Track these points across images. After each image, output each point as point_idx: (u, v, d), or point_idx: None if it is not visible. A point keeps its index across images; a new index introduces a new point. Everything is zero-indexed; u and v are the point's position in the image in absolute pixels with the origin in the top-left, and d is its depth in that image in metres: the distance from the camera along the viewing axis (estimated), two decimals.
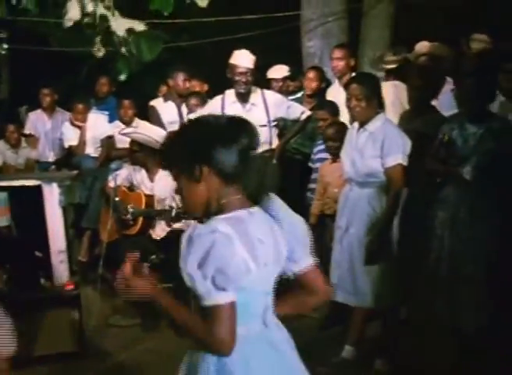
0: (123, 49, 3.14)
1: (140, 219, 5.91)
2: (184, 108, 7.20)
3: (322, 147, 5.88)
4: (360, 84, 4.63)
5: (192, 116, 6.33)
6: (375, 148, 4.54)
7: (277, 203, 2.33)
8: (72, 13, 2.94)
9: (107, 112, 7.58)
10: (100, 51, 3.15)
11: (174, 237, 5.88)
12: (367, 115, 4.61)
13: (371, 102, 4.58)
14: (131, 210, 5.93)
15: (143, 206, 5.91)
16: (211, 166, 2.21)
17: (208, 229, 2.13)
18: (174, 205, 5.70)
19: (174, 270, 6.29)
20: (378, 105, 4.63)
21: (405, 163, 4.50)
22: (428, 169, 4.68)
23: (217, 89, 6.73)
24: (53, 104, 8.11)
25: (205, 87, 7.62)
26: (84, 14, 2.99)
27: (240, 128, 2.25)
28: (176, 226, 5.88)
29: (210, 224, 2.16)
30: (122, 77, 3.30)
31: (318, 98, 6.78)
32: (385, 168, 4.51)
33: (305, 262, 2.38)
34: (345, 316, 4.94)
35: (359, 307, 4.72)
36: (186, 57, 9.08)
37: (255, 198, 2.29)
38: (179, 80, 7.11)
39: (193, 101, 6.88)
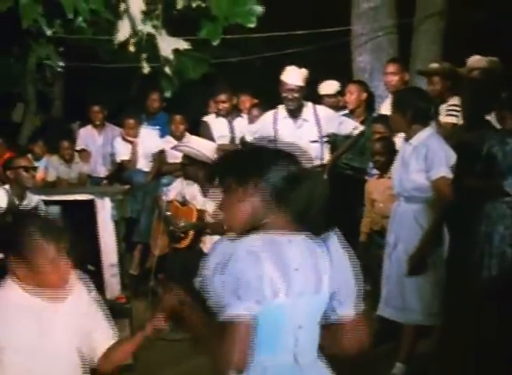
0: (167, 69, 3.18)
1: (191, 233, 5.94)
2: (236, 123, 7.25)
3: None
4: (393, 97, 4.78)
5: (253, 127, 6.40)
6: (419, 161, 4.52)
7: (335, 240, 2.23)
8: (123, 32, 2.99)
9: (158, 127, 7.66)
10: (146, 69, 3.20)
11: None
12: (398, 127, 4.74)
13: (403, 115, 4.59)
14: (181, 224, 5.97)
15: (194, 220, 5.94)
16: (263, 183, 2.16)
17: (237, 242, 2.08)
18: None
19: None
20: (423, 118, 4.61)
21: (449, 176, 4.45)
22: (467, 185, 4.64)
23: (267, 104, 6.76)
24: (103, 120, 8.23)
25: (254, 102, 7.65)
26: (133, 33, 3.03)
27: (298, 156, 2.23)
28: None
29: (242, 239, 2.10)
30: (167, 95, 3.35)
31: (368, 112, 6.76)
32: (431, 182, 4.49)
33: (348, 309, 2.23)
34: (395, 331, 4.88)
35: (409, 323, 4.67)
36: (235, 72, 9.15)
37: (308, 228, 2.21)
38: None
39: (255, 112, 6.95)
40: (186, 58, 3.42)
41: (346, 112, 6.89)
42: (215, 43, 3.28)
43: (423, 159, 4.49)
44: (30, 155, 8.15)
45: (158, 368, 5.18)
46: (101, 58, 9.31)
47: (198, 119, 7.61)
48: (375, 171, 5.91)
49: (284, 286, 2.07)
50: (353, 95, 6.76)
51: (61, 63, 3.48)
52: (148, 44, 3.14)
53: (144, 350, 5.32)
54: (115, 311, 5.18)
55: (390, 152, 5.44)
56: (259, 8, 3.20)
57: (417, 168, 4.52)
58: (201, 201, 6.01)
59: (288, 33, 8.01)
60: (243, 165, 2.22)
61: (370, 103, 6.93)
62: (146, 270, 6.70)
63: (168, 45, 3.21)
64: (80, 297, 2.75)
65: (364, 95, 6.79)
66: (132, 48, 3.13)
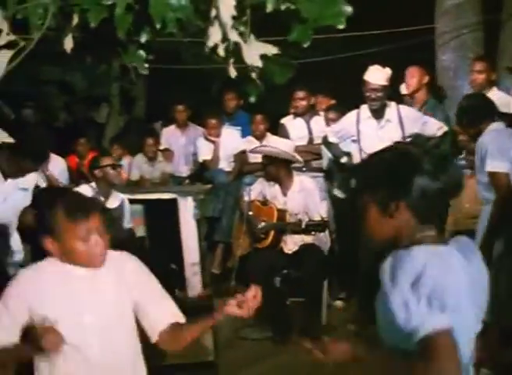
0: (254, 74, 3.17)
1: (271, 233, 5.96)
2: (313, 123, 7.21)
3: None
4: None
5: (335, 127, 6.37)
6: (478, 160, 4.55)
7: (471, 244, 2.12)
8: (214, 38, 2.99)
9: (239, 128, 7.71)
10: (233, 73, 3.20)
11: (305, 251, 5.90)
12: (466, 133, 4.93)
13: (460, 122, 4.90)
14: (261, 224, 6.00)
15: (274, 220, 5.96)
16: (407, 203, 2.04)
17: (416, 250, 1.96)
18: (306, 218, 5.73)
19: (305, 284, 6.24)
20: (482, 120, 4.64)
21: (496, 169, 4.41)
22: None
23: (345, 105, 6.70)
24: (187, 120, 8.33)
25: (331, 104, 7.58)
26: (223, 39, 3.04)
27: (440, 163, 2.08)
28: (307, 240, 5.90)
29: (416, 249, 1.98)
30: (252, 99, 3.35)
31: (431, 96, 6.62)
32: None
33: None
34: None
35: (494, 326, 4.57)
36: (313, 72, 9.11)
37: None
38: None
39: (331, 115, 6.88)
40: (273, 63, 3.40)
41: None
42: (306, 45, 3.25)
43: (479, 157, 4.53)
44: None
45: (239, 366, 5.21)
46: (184, 60, 9.42)
47: (279, 119, 7.61)
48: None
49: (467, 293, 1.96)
50: (414, 78, 6.53)
51: (146, 65, 3.53)
52: (235, 48, 3.14)
53: (226, 348, 5.41)
54: (197, 309, 5.24)
55: None
56: (349, 9, 3.15)
57: (480, 168, 4.54)
58: (282, 201, 6.03)
59: (369, 33, 7.94)
60: (387, 180, 2.06)
61: (432, 88, 6.74)
62: (228, 269, 6.76)
63: (256, 50, 3.19)
64: (122, 266, 2.78)
65: (426, 78, 6.59)
66: (222, 53, 3.13)
